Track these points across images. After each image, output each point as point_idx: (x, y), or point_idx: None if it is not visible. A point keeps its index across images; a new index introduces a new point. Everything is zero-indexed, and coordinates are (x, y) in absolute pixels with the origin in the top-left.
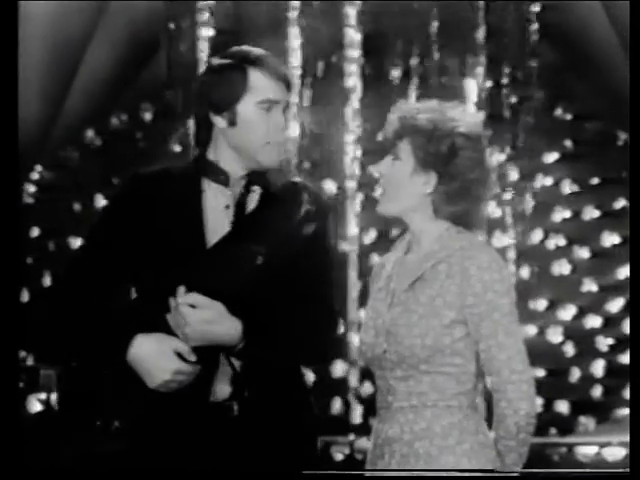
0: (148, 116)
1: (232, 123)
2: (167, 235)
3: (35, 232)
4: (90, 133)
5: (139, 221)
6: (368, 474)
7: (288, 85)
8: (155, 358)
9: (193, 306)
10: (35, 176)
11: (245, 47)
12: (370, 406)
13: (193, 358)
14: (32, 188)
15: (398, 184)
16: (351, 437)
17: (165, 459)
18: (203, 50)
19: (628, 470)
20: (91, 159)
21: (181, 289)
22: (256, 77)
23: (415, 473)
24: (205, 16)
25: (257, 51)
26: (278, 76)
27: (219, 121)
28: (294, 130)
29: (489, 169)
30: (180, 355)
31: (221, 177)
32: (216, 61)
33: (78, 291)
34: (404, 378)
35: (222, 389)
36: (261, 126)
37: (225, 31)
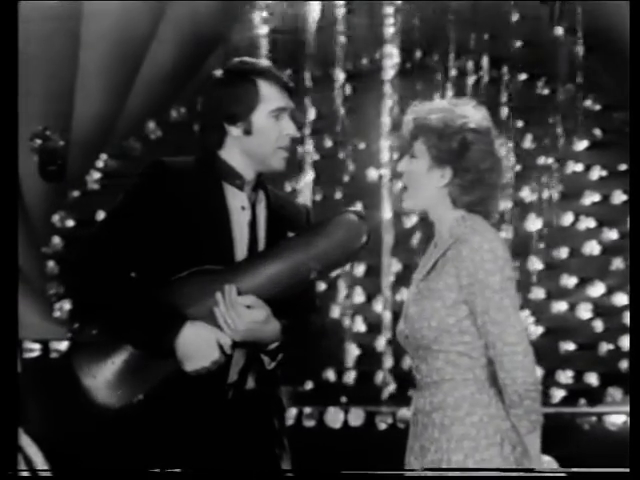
0: None
1: (247, 132)
2: (193, 226)
3: (101, 215)
4: (151, 125)
5: (165, 208)
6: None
7: (291, 92)
8: (199, 345)
9: (248, 306)
10: (100, 164)
11: (247, 59)
12: (408, 379)
13: (230, 351)
14: (98, 175)
15: (417, 180)
16: (392, 407)
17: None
18: (260, 47)
19: (628, 470)
20: (152, 149)
21: (233, 288)
22: (265, 88)
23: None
24: (263, 14)
25: (262, 62)
26: (283, 85)
27: (234, 131)
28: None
29: (500, 158)
30: (220, 347)
31: (237, 181)
32: (224, 74)
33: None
34: (424, 357)
35: (231, 377)
36: (273, 133)
37: (281, 30)
